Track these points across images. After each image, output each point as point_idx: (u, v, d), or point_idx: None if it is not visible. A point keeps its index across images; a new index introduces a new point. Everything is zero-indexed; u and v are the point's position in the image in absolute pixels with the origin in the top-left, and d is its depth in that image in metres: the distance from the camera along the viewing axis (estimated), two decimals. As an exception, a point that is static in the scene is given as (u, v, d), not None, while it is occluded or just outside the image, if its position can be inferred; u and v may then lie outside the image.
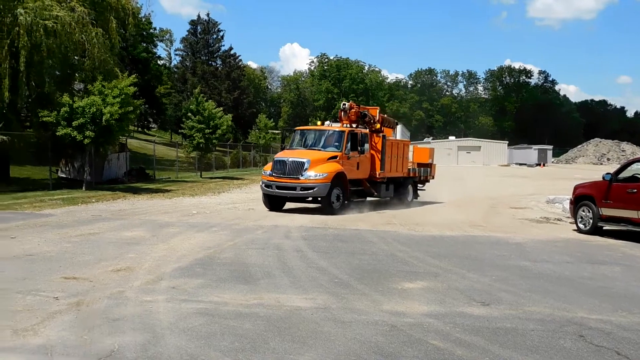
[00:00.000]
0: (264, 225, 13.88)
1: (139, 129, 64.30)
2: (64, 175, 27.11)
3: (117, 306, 6.70)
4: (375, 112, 19.45)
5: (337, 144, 17.13)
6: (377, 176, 18.29)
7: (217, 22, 69.65)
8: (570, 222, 15.26)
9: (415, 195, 21.08)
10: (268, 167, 17.47)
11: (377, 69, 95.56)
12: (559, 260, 10.34)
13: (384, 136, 18.54)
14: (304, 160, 16.45)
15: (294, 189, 16.28)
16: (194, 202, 19.77)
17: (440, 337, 5.84)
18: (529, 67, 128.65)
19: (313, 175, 16.14)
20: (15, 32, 20.98)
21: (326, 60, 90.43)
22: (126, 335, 5.74)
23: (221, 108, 40.34)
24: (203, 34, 68.50)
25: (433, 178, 22.09)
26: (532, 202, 21.85)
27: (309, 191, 16.21)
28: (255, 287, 7.82)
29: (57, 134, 22.04)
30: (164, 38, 76.39)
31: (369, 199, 19.16)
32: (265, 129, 56.11)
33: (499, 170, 59.03)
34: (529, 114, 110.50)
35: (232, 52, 68.04)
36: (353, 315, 6.57)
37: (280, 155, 17.60)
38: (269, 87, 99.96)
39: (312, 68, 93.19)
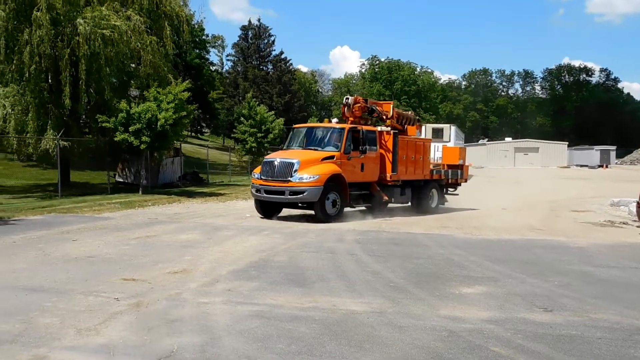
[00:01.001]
0: (317, 228, 13.93)
1: (193, 134, 65.73)
2: (121, 180, 27.98)
3: (175, 307, 6.85)
4: (388, 107, 17.91)
5: (337, 143, 15.57)
6: (389, 179, 16.64)
7: (267, 27, 70.50)
8: (637, 226, 14.68)
9: (442, 201, 19.05)
10: (258, 170, 15.97)
11: (429, 70, 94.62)
12: (626, 266, 9.95)
13: (395, 133, 16.86)
14: (294, 161, 14.94)
15: (282, 193, 14.84)
16: (247, 205, 20.04)
17: (502, 344, 5.72)
18: (589, 65, 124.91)
19: (303, 177, 14.60)
20: (75, 42, 21.82)
21: (377, 62, 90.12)
22: (184, 336, 5.86)
23: (273, 112, 40.83)
24: (254, 39, 69.42)
25: (466, 181, 20.31)
26: (594, 205, 21.11)
27: (299, 196, 14.67)
28: (310, 290, 7.85)
29: (115, 139, 22.78)
30: (216, 44, 77.85)
31: (390, 205, 17.72)
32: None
33: (559, 172, 57.34)
34: (590, 114, 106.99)
35: (282, 56, 68.69)
36: (409, 320, 6.51)
37: (271, 156, 16.28)
38: (320, 90, 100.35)
39: (363, 70, 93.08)
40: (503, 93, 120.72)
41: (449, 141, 39.29)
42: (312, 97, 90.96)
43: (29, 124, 21.82)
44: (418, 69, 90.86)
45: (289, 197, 14.77)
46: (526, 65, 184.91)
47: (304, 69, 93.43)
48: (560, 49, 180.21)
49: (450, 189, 19.67)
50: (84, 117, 26.05)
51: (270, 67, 68.95)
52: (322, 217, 14.89)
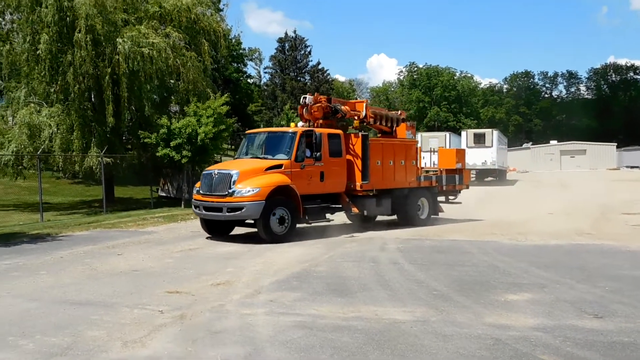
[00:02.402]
0: (359, 238, 13.91)
1: (232, 147, 66.61)
2: (163, 194, 28.55)
3: (219, 319, 6.95)
4: (361, 106, 16.00)
5: (288, 149, 13.70)
6: (359, 188, 14.81)
7: (304, 38, 70.94)
8: (693, 228, 14.15)
9: (434, 211, 17.07)
10: (198, 184, 14.14)
11: (469, 75, 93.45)
12: (682, 269, 9.61)
13: (364, 136, 15.02)
14: (232, 172, 13.17)
15: (220, 210, 13.05)
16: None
17: (550, 352, 5.60)
18: (636, 63, 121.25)
19: (242, 191, 12.82)
20: (115, 60, 22.47)
21: (415, 69, 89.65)
22: (228, 347, 5.94)
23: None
24: (291, 50, 69.99)
25: (467, 187, 18.57)
26: (647, 208, 20.46)
27: (236, 213, 12.82)
28: (353, 300, 7.85)
29: (157, 154, 23.30)
30: (254, 57, 78.84)
31: (379, 217, 16.62)
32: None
33: (608, 175, 55.75)
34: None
35: (319, 66, 68.99)
36: (454, 329, 6.43)
37: (211, 167, 14.46)
38: (358, 99, 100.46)
39: (401, 78, 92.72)
40: (546, 95, 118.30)
41: (491, 146, 38.76)
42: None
43: (74, 142, 22.50)
44: (457, 74, 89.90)
45: (227, 214, 12.94)
46: (570, 66, 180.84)
47: (341, 78, 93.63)
48: (605, 47, 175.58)
49: (450, 197, 18.05)
50: (126, 133, 26.76)
51: (307, 78, 69.36)
52: (265, 237, 12.98)
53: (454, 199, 18.14)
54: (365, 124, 16.25)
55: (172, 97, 27.46)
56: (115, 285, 8.90)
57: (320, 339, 6.16)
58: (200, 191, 13.63)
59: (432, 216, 16.90)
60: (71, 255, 11.76)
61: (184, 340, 6.19)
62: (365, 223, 15.97)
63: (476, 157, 38.82)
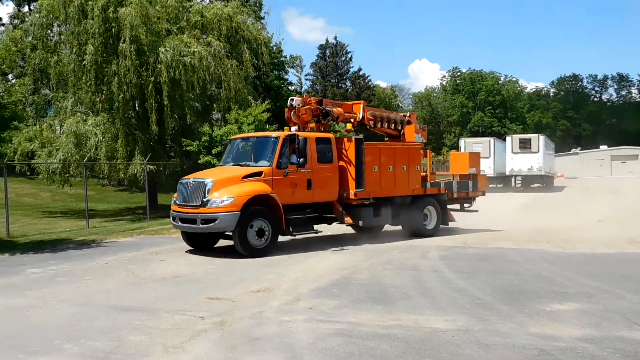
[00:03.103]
0: (400, 245, 13.82)
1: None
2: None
3: (258, 326, 7.01)
4: (358, 108, 15.20)
5: (271, 155, 12.86)
6: (353, 197, 13.82)
7: (344, 44, 71.13)
8: None
9: (444, 221, 15.96)
10: (176, 194, 13.34)
11: (514, 79, 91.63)
12: None
13: (358, 140, 14.00)
14: (206, 180, 12.41)
15: (194, 221, 12.32)
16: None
17: (597, 363, 5.45)
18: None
19: (215, 201, 12.02)
20: (158, 70, 22.99)
21: (458, 73, 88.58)
22: (267, 354, 5.99)
23: (354, 129, 40.99)
24: (332, 57, 70.27)
25: (483, 194, 17.35)
26: None
27: (211, 224, 12.04)
28: (393, 308, 7.81)
29: (199, 162, 23.67)
30: (295, 64, 79.34)
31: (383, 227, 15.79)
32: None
33: (662, 181, 53.87)
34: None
35: (361, 72, 69.04)
36: (497, 338, 6.33)
37: (188, 176, 13.61)
38: (400, 105, 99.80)
39: (444, 83, 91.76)
40: (596, 99, 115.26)
41: (538, 151, 37.96)
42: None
43: (119, 150, 23.10)
44: (502, 79, 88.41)
45: (201, 226, 12.18)
46: (620, 68, 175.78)
47: (382, 84, 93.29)
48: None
49: (465, 205, 16.97)
50: (169, 141, 27.31)
51: (348, 84, 69.50)
52: (242, 251, 12.13)
53: (469, 206, 17.04)
54: (368, 127, 15.67)
55: (214, 105, 27.91)
56: (157, 291, 9.08)
57: (359, 346, 6.16)
58: (177, 201, 12.93)
59: (441, 226, 15.80)
60: (115, 261, 12.05)
61: (223, 346, 6.28)
62: (368, 233, 15.02)
63: (522, 163, 38.10)
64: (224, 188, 12.16)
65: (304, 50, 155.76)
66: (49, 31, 25.51)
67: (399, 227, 15.80)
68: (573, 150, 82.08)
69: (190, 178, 13.01)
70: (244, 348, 6.21)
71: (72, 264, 11.71)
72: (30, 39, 25.20)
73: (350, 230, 15.63)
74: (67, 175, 23.84)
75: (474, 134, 71.55)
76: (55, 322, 7.37)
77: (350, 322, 7.09)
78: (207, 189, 12.17)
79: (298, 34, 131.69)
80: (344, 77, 70.32)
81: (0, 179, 17.79)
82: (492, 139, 40.00)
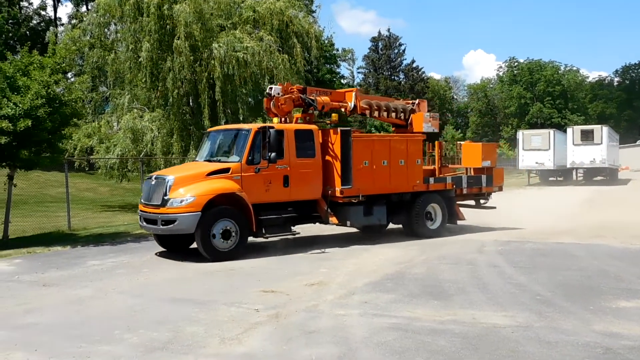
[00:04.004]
0: (456, 240, 13.62)
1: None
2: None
3: (313, 319, 7.06)
4: (350, 95, 14.13)
5: (241, 150, 11.93)
6: (339, 194, 12.68)
7: (397, 36, 70.56)
8: None
9: (451, 219, 14.69)
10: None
11: (574, 69, 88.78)
12: None
13: (344, 131, 12.85)
14: (167, 178, 11.52)
15: (155, 222, 11.50)
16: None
17: (668, 363, 5.24)
18: None
19: (175, 201, 11.14)
20: (212, 65, 23.37)
21: (516, 64, 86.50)
22: (322, 347, 6.02)
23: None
24: (384, 49, 69.85)
25: (500, 189, 15.91)
26: None
27: (170, 226, 11.20)
28: (449, 303, 7.73)
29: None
30: (347, 57, 79.27)
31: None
32: (452, 140, 55.32)
33: None
34: None
35: (414, 65, 68.42)
36: (559, 336, 6.18)
37: (155, 173, 12.87)
38: (455, 97, 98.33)
39: (501, 74, 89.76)
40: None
41: (601, 143, 36.68)
42: (447, 105, 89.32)
43: (174, 145, 23.62)
44: (562, 68, 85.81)
45: (161, 227, 11.36)
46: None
47: (436, 76, 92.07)
48: None
49: (481, 201, 15.75)
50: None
51: (402, 76, 68.95)
52: (205, 254, 11.21)
53: (485, 203, 15.74)
54: (366, 117, 14.64)
55: (266, 99, 28.13)
56: (212, 284, 9.27)
57: (415, 341, 6.12)
58: (142, 200, 12.17)
59: (448, 224, 14.53)
60: (171, 254, 12.32)
61: (278, 339, 6.35)
62: (372, 233, 13.93)
63: (584, 156, 36.90)
64: (185, 186, 11.27)
65: (355, 43, 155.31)
66: (106, 30, 26.26)
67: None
68: (639, 142, 78.89)
69: (154, 174, 12.24)
70: (299, 341, 6.27)
71: (130, 257, 12.06)
72: (88, 37, 26.01)
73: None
74: (125, 170, 24.52)
75: (532, 125, 69.75)
76: (115, 312, 7.62)
77: (405, 317, 7.05)
78: (167, 187, 11.30)
79: (349, 27, 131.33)
80: (397, 70, 69.80)
81: (62, 174, 18.50)
82: (552, 131, 38.86)
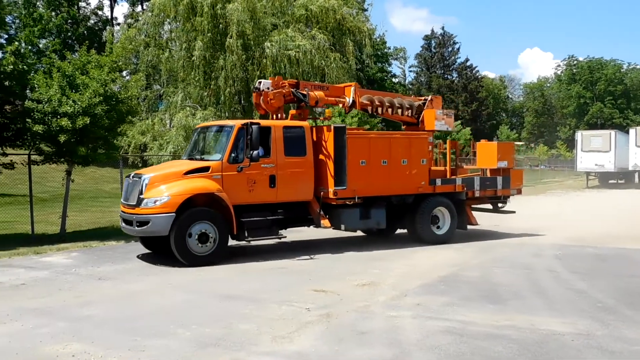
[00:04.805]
0: (511, 242, 13.33)
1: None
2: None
3: (364, 320, 7.03)
4: (349, 90, 13.42)
5: (224, 148, 11.34)
6: (332, 196, 11.95)
7: (452, 34, 69.80)
8: None
9: (462, 224, 13.75)
10: None
11: (638, 67, 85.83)
12: None
13: (338, 128, 12.20)
14: (143, 176, 11.03)
15: (131, 223, 11.01)
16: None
17: None
18: None
19: (149, 201, 10.62)
20: (263, 64, 23.62)
21: (575, 62, 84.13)
22: (374, 349, 5.99)
23: (459, 121, 40.23)
24: (438, 47, 69.15)
25: (519, 192, 14.72)
26: None
27: (144, 227, 10.69)
28: (505, 307, 7.57)
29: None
30: (398, 56, 78.82)
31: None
32: (507, 140, 54.26)
33: None
34: None
35: (468, 63, 67.49)
36: (623, 345, 5.97)
37: (137, 171, 12.19)
38: (510, 96, 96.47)
39: (559, 72, 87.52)
40: None
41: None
42: (502, 104, 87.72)
43: (226, 143, 23.96)
44: (625, 66, 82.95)
45: (136, 228, 10.86)
46: None
47: (491, 75, 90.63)
48: None
49: (499, 204, 14.67)
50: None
51: (455, 75, 68.13)
52: (181, 258, 10.60)
53: (503, 206, 14.72)
54: (372, 113, 14.07)
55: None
56: (264, 281, 9.35)
57: (470, 346, 6.01)
58: (122, 200, 11.67)
59: (449, 231, 13.44)
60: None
61: (330, 338, 6.35)
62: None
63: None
64: (160, 186, 10.74)
65: (407, 41, 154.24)
66: (160, 29, 26.92)
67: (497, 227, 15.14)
68: None
69: (132, 173, 11.71)
70: (351, 341, 6.25)
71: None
72: (143, 37, 26.69)
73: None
74: (177, 167, 25.03)
75: (592, 126, 67.69)
76: (168, 307, 7.77)
77: (460, 321, 6.94)
78: (143, 186, 10.80)
79: (401, 25, 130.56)
80: (450, 68, 69.01)
81: (116, 170, 19.01)
82: (613, 132, 37.63)
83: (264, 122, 11.83)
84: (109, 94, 14.08)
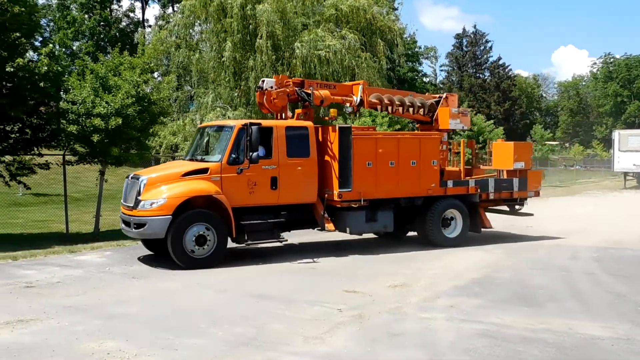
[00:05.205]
0: (546, 244, 13.11)
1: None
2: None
3: (396, 321, 6.99)
4: (357, 89, 13.03)
5: (224, 148, 11.14)
6: (337, 198, 11.66)
7: (484, 33, 68.99)
8: None
9: (475, 227, 13.30)
10: None
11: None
12: None
13: (343, 129, 11.93)
14: (141, 178, 10.86)
15: (129, 225, 10.87)
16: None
17: None
18: None
19: (145, 203, 10.47)
20: (293, 64, 23.68)
21: (612, 60, 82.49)
22: (407, 350, 5.95)
23: (491, 121, 39.75)
24: (469, 46, 68.46)
25: (536, 194, 14.10)
26: None
27: (140, 230, 10.55)
28: (540, 310, 7.46)
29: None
30: (429, 55, 78.31)
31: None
32: (541, 140, 53.51)
33: None
34: None
35: (500, 62, 66.68)
36: (666, 350, 5.81)
37: (137, 172, 11.88)
38: (544, 95, 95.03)
39: (595, 70, 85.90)
40: None
41: None
42: (535, 103, 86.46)
43: (255, 144, 24.07)
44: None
45: (134, 230, 10.70)
46: None
47: (524, 73, 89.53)
48: None
49: (516, 207, 14.21)
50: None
51: (487, 74, 67.36)
52: (178, 261, 10.41)
53: (519, 209, 14.23)
54: (382, 111, 13.83)
55: (347, 98, 28.21)
56: (294, 282, 9.37)
57: (505, 349, 5.93)
58: (122, 201, 11.54)
59: (460, 234, 12.98)
60: (254, 250, 12.55)
61: (362, 340, 6.33)
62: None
63: None
64: (157, 188, 10.59)
65: (437, 40, 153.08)
66: (191, 30, 27.19)
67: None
68: None
69: (132, 174, 11.54)
70: (384, 343, 6.22)
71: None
72: (174, 38, 26.99)
73: (493, 229, 14.99)
74: (207, 168, 25.26)
75: (630, 125, 66.24)
76: (200, 306, 7.84)
77: (494, 323, 6.85)
78: (140, 187, 10.67)
79: (431, 24, 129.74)
80: (482, 67, 68.23)
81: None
82: None
83: (265, 123, 11.63)
84: (141, 95, 14.27)
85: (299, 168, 11.49)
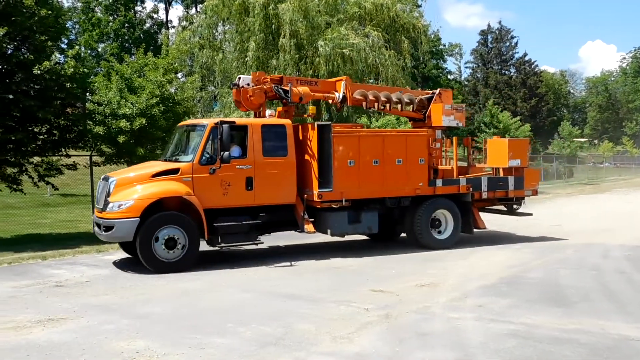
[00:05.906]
0: (575, 244, 12.92)
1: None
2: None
3: (425, 321, 6.96)
4: (339, 85, 12.63)
5: (196, 148, 10.80)
6: (316, 199, 11.32)
7: (509, 29, 68.21)
8: None
9: (467, 228, 12.80)
10: None
11: None
12: None
13: (322, 126, 11.58)
14: (111, 179, 10.57)
15: (99, 227, 10.58)
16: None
17: None
18: None
19: (114, 205, 10.16)
20: (316, 63, 23.68)
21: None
22: (436, 351, 5.92)
23: (517, 118, 39.37)
24: (494, 42, 67.74)
25: (534, 193, 13.66)
26: None
27: (109, 232, 10.24)
28: (572, 310, 7.36)
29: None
30: (453, 52, 77.75)
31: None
32: (569, 137, 52.71)
33: None
34: None
35: (526, 58, 65.88)
36: (703, 351, 5.69)
37: (108, 173, 11.52)
38: (571, 91, 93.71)
39: (624, 65, 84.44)
40: None
41: None
42: (563, 100, 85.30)
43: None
44: (696, 57, 79.33)
45: (103, 233, 10.38)
46: None
47: (550, 69, 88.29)
48: None
49: (514, 206, 13.67)
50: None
51: (512, 70, 66.60)
52: (147, 265, 10.13)
53: (517, 208, 13.74)
54: (367, 108, 13.43)
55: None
56: (319, 281, 9.37)
57: (537, 350, 5.87)
58: (95, 202, 11.41)
59: (462, 234, 12.71)
60: (278, 250, 12.60)
61: (390, 339, 6.31)
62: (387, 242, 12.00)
63: None
64: (126, 189, 10.32)
65: (461, 37, 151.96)
66: (214, 30, 27.37)
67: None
68: None
69: (104, 175, 11.21)
70: (412, 343, 6.20)
71: (239, 252, 12.41)
72: (197, 38, 27.20)
73: (519, 228, 14.85)
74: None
75: (660, 121, 65.05)
76: (226, 306, 7.88)
77: (524, 324, 6.78)
78: (110, 189, 10.41)
79: (455, 21, 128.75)
80: (508, 64, 67.46)
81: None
82: None
83: (239, 121, 11.49)
84: (165, 95, 14.41)
85: (276, 168, 11.18)
